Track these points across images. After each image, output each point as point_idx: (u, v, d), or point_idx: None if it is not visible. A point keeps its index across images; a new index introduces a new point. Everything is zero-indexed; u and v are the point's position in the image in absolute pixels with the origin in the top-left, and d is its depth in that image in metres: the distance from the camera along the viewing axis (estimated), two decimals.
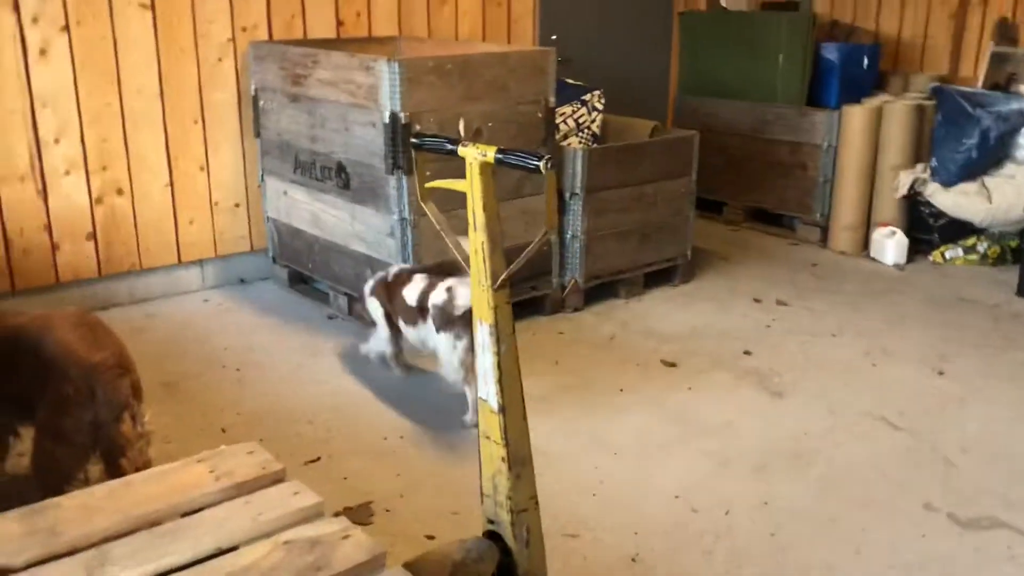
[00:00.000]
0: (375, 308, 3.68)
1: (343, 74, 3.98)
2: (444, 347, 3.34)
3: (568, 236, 4.49)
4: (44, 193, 4.26)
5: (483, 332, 2.04)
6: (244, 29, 4.65)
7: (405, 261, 3.94)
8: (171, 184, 4.61)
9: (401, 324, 3.56)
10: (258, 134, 4.70)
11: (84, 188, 4.36)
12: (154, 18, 4.37)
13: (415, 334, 3.50)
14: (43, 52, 4.11)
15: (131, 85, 4.38)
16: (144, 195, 4.54)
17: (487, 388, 2.06)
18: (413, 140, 2.14)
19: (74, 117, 4.25)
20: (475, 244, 1.99)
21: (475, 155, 1.95)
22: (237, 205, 4.86)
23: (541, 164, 1.88)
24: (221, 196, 4.79)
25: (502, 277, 1.98)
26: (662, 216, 4.78)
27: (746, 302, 4.76)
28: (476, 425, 2.28)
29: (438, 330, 3.33)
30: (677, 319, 4.52)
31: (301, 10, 4.82)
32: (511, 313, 2.04)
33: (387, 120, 3.77)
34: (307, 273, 4.69)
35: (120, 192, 4.47)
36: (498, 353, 2.02)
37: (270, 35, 4.74)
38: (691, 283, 5.04)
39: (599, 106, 5.06)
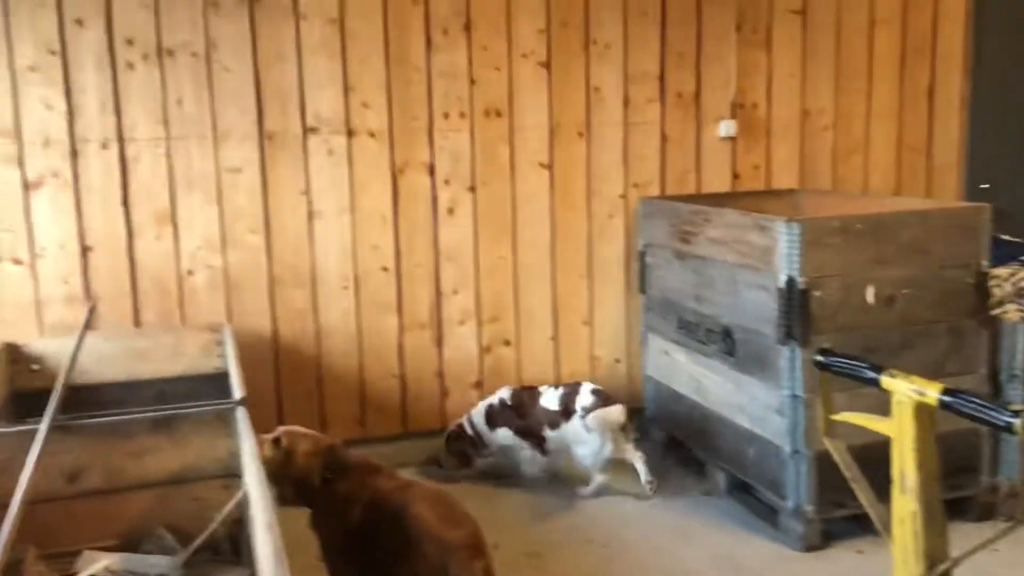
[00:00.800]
0: (505, 434, 4.13)
1: (735, 233, 3.69)
2: (591, 443, 4.00)
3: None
4: (439, 341, 4.45)
5: None
6: (636, 185, 4.60)
7: (795, 443, 3.45)
8: (555, 337, 4.60)
9: (546, 430, 4.07)
10: (643, 290, 4.56)
11: (475, 338, 4.49)
12: (551, 176, 4.48)
13: (557, 435, 4.05)
14: (451, 211, 4.37)
15: (525, 240, 4.49)
16: (529, 347, 4.57)
17: None
18: (818, 358, 1.74)
19: (471, 270, 4.43)
20: (901, 511, 1.51)
21: (909, 392, 1.50)
22: (617, 361, 4.71)
23: (1018, 422, 1.37)
24: (602, 352, 4.68)
25: (943, 567, 1.47)
26: None
27: None
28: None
29: (588, 429, 3.98)
30: None
31: (695, 165, 4.67)
32: None
33: (782, 285, 3.39)
34: (683, 440, 4.35)
35: (507, 343, 4.54)
36: None
37: (662, 190, 4.64)
38: None
39: None
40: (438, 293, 4.42)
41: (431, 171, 4.33)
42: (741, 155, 4.73)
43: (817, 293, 3.38)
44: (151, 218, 4.02)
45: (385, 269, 4.33)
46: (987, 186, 5.09)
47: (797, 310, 3.37)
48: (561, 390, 4.12)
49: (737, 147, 4.71)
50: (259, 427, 2.74)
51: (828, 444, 1.67)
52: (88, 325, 3.10)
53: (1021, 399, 3.61)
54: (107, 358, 3.85)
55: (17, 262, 3.91)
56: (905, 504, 1.51)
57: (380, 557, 2.54)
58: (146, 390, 3.79)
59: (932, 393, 1.47)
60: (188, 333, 3.93)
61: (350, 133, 4.20)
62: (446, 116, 4.31)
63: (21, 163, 3.86)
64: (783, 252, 3.37)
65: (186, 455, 2.64)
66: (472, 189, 4.39)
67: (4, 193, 3.85)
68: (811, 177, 4.84)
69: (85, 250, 3.98)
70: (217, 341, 3.84)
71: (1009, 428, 1.40)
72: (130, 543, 2.56)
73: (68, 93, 3.87)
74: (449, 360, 4.48)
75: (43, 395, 3.81)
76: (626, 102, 4.54)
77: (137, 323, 4.07)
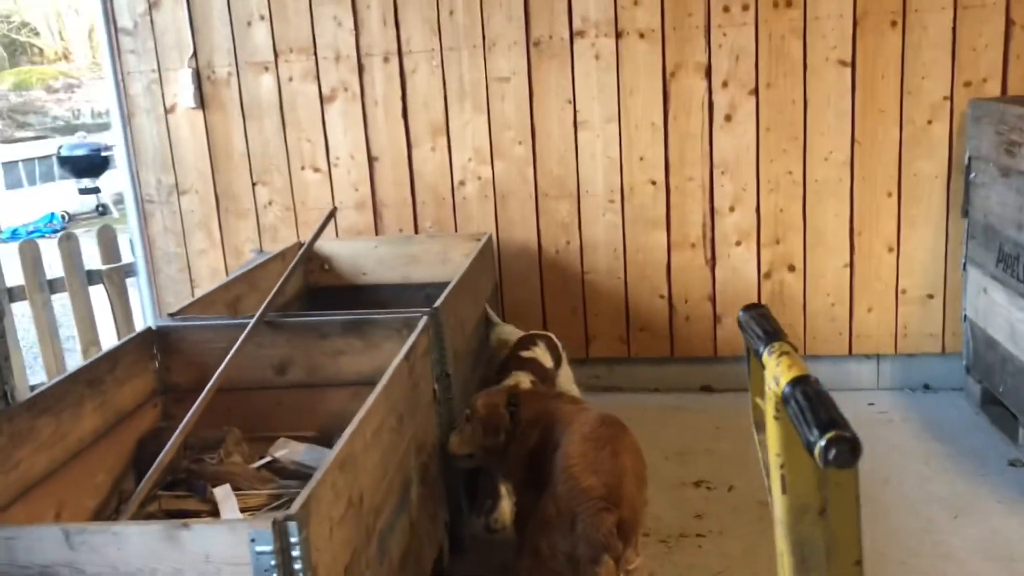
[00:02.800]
0: None
1: None
2: None
3: None
4: (712, 263, 4.10)
5: None
6: (968, 84, 3.76)
7: None
8: (850, 265, 4.00)
9: None
10: (965, 213, 3.76)
11: (753, 261, 4.06)
12: (853, 75, 3.82)
13: None
14: (728, 117, 3.94)
15: (817, 151, 3.91)
16: (817, 274, 4.03)
17: None
18: (740, 315, 1.28)
19: (751, 185, 3.99)
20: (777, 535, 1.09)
21: (769, 378, 1.08)
22: (930, 296, 3.98)
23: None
24: (911, 284, 3.98)
25: None
26: None
27: None
28: None
29: None
30: None
31: None
32: None
33: None
34: (999, 397, 3.58)
35: (791, 268, 4.05)
36: None
37: (1003, 90, 3.74)
38: None
39: None
40: (712, 210, 4.05)
41: (707, 73, 3.92)
42: None
43: None
44: (427, 129, 4.17)
45: (653, 182, 4.06)
46: None
47: None
48: None
49: None
50: None
51: (757, 440, 1.24)
52: (322, 229, 3.30)
53: None
54: (385, 262, 4.12)
55: (316, 170, 4.29)
56: (778, 532, 1.07)
57: (542, 485, 2.43)
58: (416, 292, 4.00)
59: (781, 383, 1.00)
60: (454, 241, 4.05)
61: (619, 35, 3.94)
62: (726, 9, 3.85)
63: (317, 78, 4.19)
64: None
65: (376, 358, 2.72)
66: (754, 92, 3.90)
67: (304, 106, 4.23)
68: None
69: (372, 160, 4.25)
70: (480, 251, 3.91)
71: (810, 447, 0.92)
72: (325, 436, 2.73)
73: (354, 9, 4.09)
74: (723, 284, 4.11)
75: (334, 291, 4.22)
76: None
77: (417, 230, 4.29)
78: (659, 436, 3.78)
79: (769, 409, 1.21)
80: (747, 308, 1.50)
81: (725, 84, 3.91)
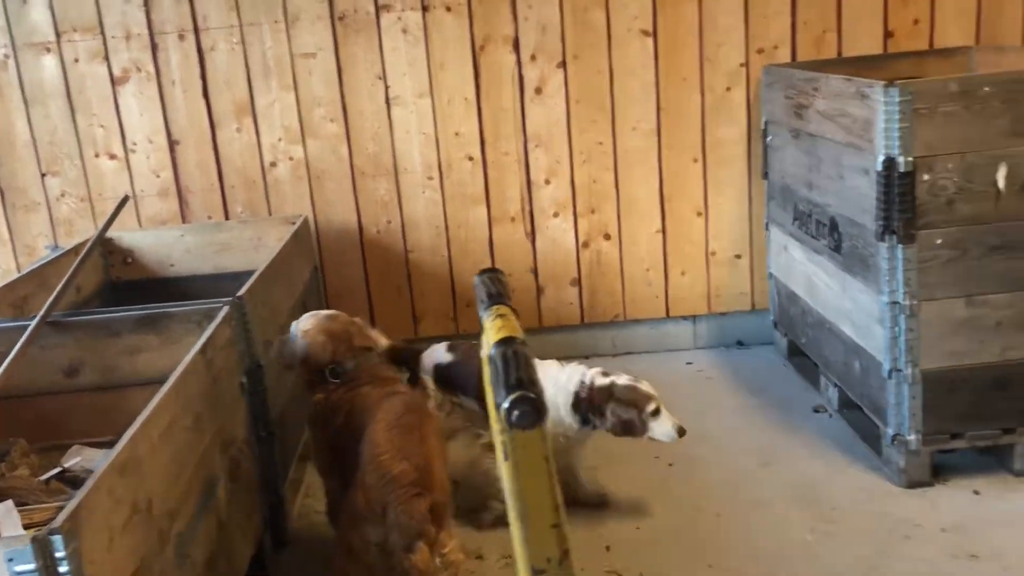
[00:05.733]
0: None
1: (839, 104, 3.02)
2: None
3: None
4: (532, 235, 4.12)
5: None
6: (760, 51, 3.92)
7: (895, 360, 2.83)
8: (663, 230, 4.12)
9: None
10: (765, 175, 3.94)
11: (571, 232, 4.12)
12: (655, 45, 3.92)
13: None
14: (539, 90, 3.96)
15: (626, 121, 4.00)
16: (632, 241, 4.13)
17: None
18: (475, 279, 1.30)
19: (565, 157, 4.03)
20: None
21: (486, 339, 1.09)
22: (738, 257, 4.16)
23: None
24: (720, 246, 4.14)
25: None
26: None
27: None
28: None
29: None
30: None
31: (836, 23, 3.89)
32: None
33: (880, 167, 2.73)
34: (802, 348, 3.78)
35: (607, 237, 4.13)
36: None
37: (793, 56, 3.93)
38: None
39: None
40: (528, 183, 4.07)
41: (515, 46, 3.92)
42: (896, 7, 3.88)
43: (926, 176, 2.69)
44: (231, 109, 3.97)
45: (470, 158, 4.03)
46: None
47: (898, 198, 2.71)
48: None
49: None
50: None
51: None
52: (112, 219, 3.10)
53: None
54: (193, 251, 3.92)
55: (112, 157, 4.02)
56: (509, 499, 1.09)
57: (347, 473, 2.36)
58: (230, 282, 3.81)
59: (490, 346, 1.03)
60: (267, 225, 3.89)
61: (425, 8, 3.88)
62: None
63: (107, 58, 3.92)
64: (881, 125, 2.70)
65: (176, 353, 2.57)
66: (562, 64, 3.94)
67: (94, 89, 3.94)
68: (993, 30, 3.89)
69: (172, 144, 4.01)
70: (295, 234, 3.76)
71: (498, 409, 0.96)
72: None
73: None
74: (543, 255, 4.15)
75: (140, 286, 3.97)
76: None
77: (227, 216, 4.09)
78: None
79: (485, 373, 1.20)
80: (481, 272, 1.50)
81: (533, 57, 3.93)
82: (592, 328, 4.26)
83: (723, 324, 4.27)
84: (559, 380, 2.87)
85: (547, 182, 4.06)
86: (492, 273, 1.45)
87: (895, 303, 2.80)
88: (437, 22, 3.89)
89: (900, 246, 2.74)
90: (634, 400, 2.78)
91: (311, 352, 2.59)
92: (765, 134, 3.86)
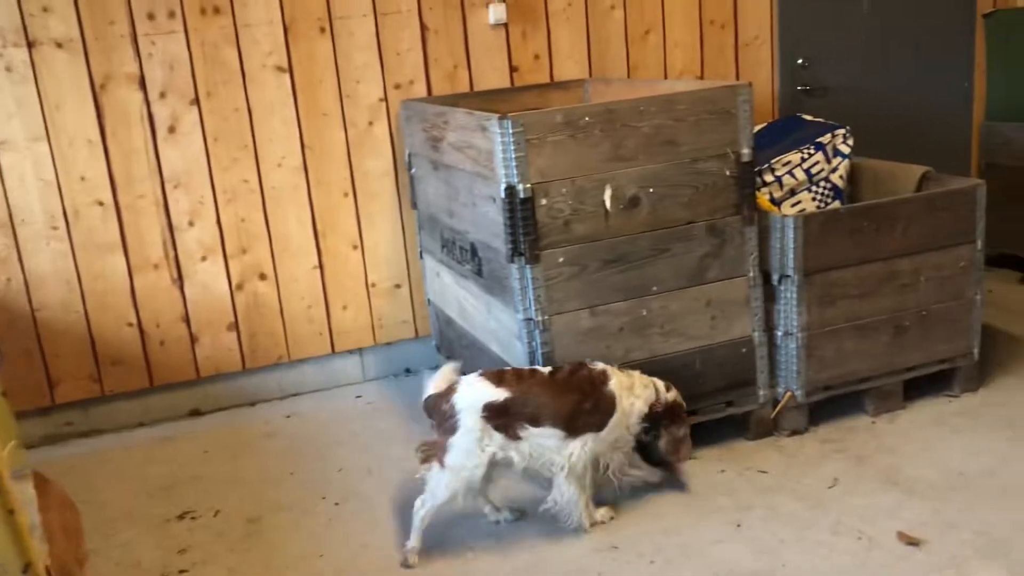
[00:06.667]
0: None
1: (465, 136, 3.17)
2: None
3: (779, 334, 3.29)
4: (180, 281, 3.90)
5: None
6: (398, 86, 4.02)
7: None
8: (320, 266, 4.08)
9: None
10: (414, 205, 4.04)
11: (223, 275, 3.95)
12: (292, 81, 3.88)
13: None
14: (172, 129, 3.76)
15: (270, 158, 3.91)
16: (290, 279, 4.05)
17: None
18: None
19: (208, 197, 3.86)
20: None
21: None
22: (398, 286, 4.22)
23: None
24: (379, 277, 4.18)
25: None
26: (927, 300, 3.39)
27: None
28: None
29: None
30: (943, 455, 3.12)
31: (465, 58, 4.09)
32: None
33: (503, 194, 2.89)
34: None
35: (263, 277, 4.01)
36: None
37: (428, 90, 4.07)
38: (978, 393, 3.56)
39: (844, 149, 3.79)
40: (170, 226, 3.84)
41: (142, 83, 3.70)
42: (518, 44, 4.16)
43: (544, 201, 2.89)
44: None
45: (100, 203, 3.74)
46: (803, 62, 4.61)
47: (521, 222, 2.88)
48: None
49: (512, 35, 4.14)
50: None
51: None
52: None
53: (795, 304, 3.21)
54: None
55: None
56: None
57: None
58: None
59: None
60: None
61: (31, 44, 3.54)
62: (151, 17, 3.66)
63: None
64: (499, 155, 2.86)
65: None
66: (195, 102, 3.77)
67: None
68: (602, 64, 4.30)
69: None
70: None
71: None
72: None
73: None
74: (194, 302, 3.94)
75: None
76: None
77: None
78: (145, 473, 3.53)
79: None
80: None
81: (163, 95, 3.73)
82: (255, 373, 4.11)
83: (390, 354, 4.31)
84: (634, 388, 2.79)
85: (191, 224, 3.86)
86: None
87: (529, 319, 2.97)
88: (47, 59, 3.57)
89: (528, 266, 2.92)
90: (685, 419, 2.88)
91: None
92: (409, 166, 3.96)
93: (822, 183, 3.73)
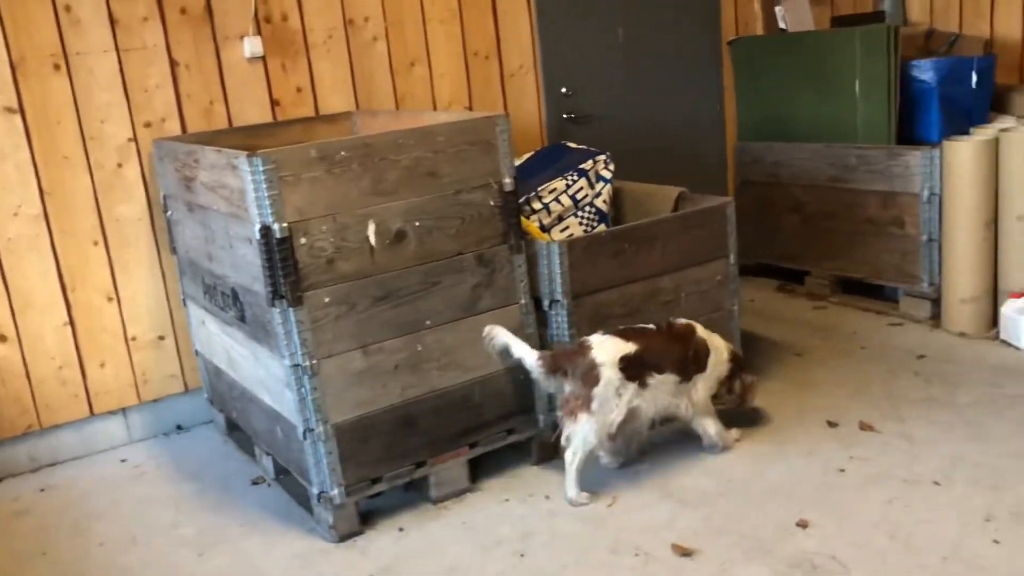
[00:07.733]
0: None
1: (217, 175, 3.00)
2: None
3: None
4: None
5: None
6: (148, 125, 3.77)
7: (307, 420, 2.87)
8: (71, 322, 3.73)
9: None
10: (174, 250, 3.79)
11: None
12: (25, 122, 3.54)
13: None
14: None
15: (4, 207, 3.55)
16: (36, 339, 3.68)
17: None
18: None
19: None
20: None
21: None
22: (161, 338, 3.94)
23: None
24: (139, 329, 3.88)
25: None
26: (689, 315, 3.54)
27: (816, 429, 3.44)
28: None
29: None
30: (709, 465, 3.26)
31: (222, 93, 3.90)
32: None
33: (258, 235, 2.75)
34: (235, 421, 3.70)
35: (3, 339, 3.62)
36: None
37: (184, 128, 3.85)
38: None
39: (606, 174, 3.91)
40: None
41: None
42: (278, 77, 4.02)
43: (303, 240, 2.78)
44: None
45: None
46: (567, 90, 4.75)
47: (280, 263, 2.75)
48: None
49: (271, 68, 4.00)
50: None
51: None
52: None
53: (566, 327, 3.26)
54: None
55: None
56: None
57: None
58: None
59: None
60: None
61: None
62: None
63: None
64: (252, 195, 2.72)
65: None
66: None
67: None
68: (369, 96, 4.23)
69: None
70: None
71: None
72: None
73: None
74: None
75: None
76: (114, 23, 3.66)
77: None
78: None
79: None
80: None
81: None
82: (2, 445, 3.69)
83: (158, 411, 4.01)
84: (712, 338, 3.29)
85: None
86: None
87: (297, 365, 2.83)
88: None
89: (291, 309, 2.79)
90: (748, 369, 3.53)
91: None
92: (165, 208, 3.72)
93: (587, 208, 3.83)
